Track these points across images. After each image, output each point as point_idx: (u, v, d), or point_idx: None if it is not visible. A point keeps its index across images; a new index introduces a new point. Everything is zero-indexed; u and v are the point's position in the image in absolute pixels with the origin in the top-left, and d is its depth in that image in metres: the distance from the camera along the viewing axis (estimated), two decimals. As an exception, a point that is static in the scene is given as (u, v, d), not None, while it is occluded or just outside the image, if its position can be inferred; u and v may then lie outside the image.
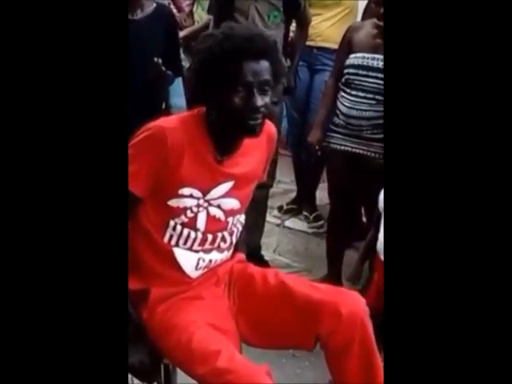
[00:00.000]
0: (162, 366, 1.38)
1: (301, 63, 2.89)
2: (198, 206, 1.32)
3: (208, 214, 1.34)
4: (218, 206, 1.35)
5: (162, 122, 1.30)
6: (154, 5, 2.24)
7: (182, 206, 1.31)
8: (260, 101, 1.26)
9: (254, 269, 1.45)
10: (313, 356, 2.09)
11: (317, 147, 2.40)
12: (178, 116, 1.37)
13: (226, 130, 1.31)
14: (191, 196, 1.31)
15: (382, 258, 2.00)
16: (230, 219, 1.38)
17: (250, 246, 2.44)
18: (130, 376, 1.37)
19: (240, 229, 1.44)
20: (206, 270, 1.39)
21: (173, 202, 1.31)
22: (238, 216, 1.40)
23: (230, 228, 1.39)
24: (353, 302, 1.30)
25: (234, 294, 1.41)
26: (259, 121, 1.28)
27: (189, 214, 1.32)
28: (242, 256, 1.52)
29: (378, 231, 2.02)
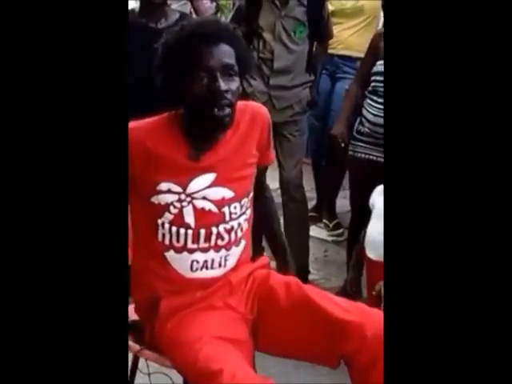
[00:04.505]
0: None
1: (322, 71, 2.90)
2: (180, 200, 1.29)
3: (194, 207, 1.31)
4: (204, 198, 1.31)
5: (132, 123, 1.29)
6: (178, 14, 2.28)
7: (163, 202, 1.29)
8: (223, 85, 1.22)
9: (275, 279, 1.41)
10: (331, 364, 2.10)
11: (340, 140, 2.37)
12: (152, 118, 1.35)
13: (197, 126, 1.28)
14: (170, 191, 1.29)
15: (369, 255, 1.98)
16: (226, 209, 1.33)
17: (297, 266, 2.42)
18: (145, 362, 1.39)
19: (244, 227, 1.38)
20: (207, 270, 1.35)
21: (154, 199, 1.30)
22: (235, 204, 1.34)
23: (228, 221, 1.34)
24: (378, 322, 1.25)
25: (254, 305, 1.38)
26: (227, 110, 1.23)
27: (172, 209, 1.30)
28: (266, 260, 1.49)
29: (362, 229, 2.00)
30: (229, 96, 1.23)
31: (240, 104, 1.33)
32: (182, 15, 2.33)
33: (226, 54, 1.25)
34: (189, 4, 3.59)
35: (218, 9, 3.87)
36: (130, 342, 1.38)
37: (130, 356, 1.45)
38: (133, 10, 2.24)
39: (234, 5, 3.24)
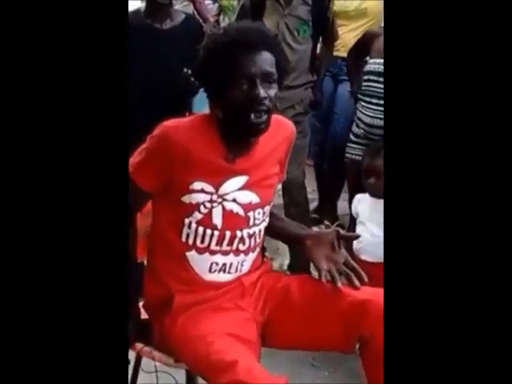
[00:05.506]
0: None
1: (325, 73, 2.91)
2: (212, 201, 1.31)
3: (224, 208, 1.32)
4: (234, 200, 1.33)
5: (170, 122, 1.31)
6: (184, 16, 2.29)
7: (194, 201, 1.31)
8: (263, 92, 1.24)
9: (287, 279, 1.43)
10: (332, 366, 2.10)
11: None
12: (189, 117, 1.37)
13: (233, 130, 1.30)
14: (203, 191, 1.31)
15: (362, 257, 2.02)
16: (251, 214, 1.35)
17: (297, 268, 2.43)
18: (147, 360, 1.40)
19: (262, 234, 1.42)
20: (224, 273, 1.37)
21: (185, 198, 1.31)
22: (259, 210, 1.37)
23: (251, 226, 1.37)
24: None
25: (265, 307, 1.39)
26: (264, 117, 1.26)
27: (202, 209, 1.31)
28: (268, 265, 1.51)
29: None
30: (267, 102, 1.26)
31: (279, 118, 1.38)
32: (188, 16, 2.34)
33: (266, 61, 1.26)
34: (191, 5, 3.61)
35: (221, 10, 3.88)
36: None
37: (133, 355, 1.46)
38: (138, 11, 2.23)
39: (239, 4, 3.23)
